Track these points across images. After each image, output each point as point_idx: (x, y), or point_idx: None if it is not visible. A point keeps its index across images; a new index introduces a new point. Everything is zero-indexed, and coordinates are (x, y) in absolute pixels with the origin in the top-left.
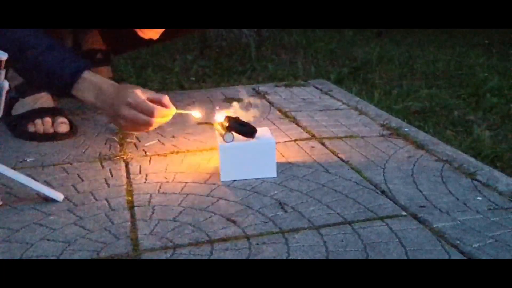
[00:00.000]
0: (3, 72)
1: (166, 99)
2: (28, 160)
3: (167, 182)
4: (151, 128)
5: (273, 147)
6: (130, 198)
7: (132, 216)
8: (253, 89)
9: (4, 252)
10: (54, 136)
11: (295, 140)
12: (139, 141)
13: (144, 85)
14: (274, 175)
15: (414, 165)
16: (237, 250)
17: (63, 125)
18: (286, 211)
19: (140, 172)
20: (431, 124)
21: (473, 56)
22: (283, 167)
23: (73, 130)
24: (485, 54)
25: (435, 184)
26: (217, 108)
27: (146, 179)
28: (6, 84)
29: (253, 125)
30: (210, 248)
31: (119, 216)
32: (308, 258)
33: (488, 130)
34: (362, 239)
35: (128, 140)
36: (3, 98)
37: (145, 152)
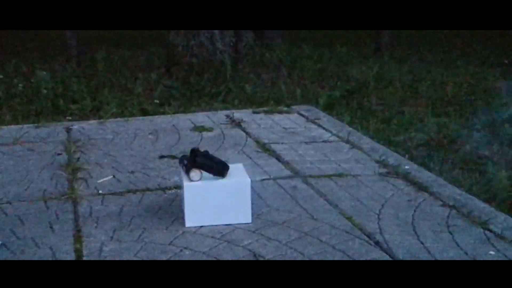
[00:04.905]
0: None
1: None
2: None
3: (122, 227)
4: None
5: (247, 187)
6: (78, 246)
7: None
8: (227, 116)
9: None
10: None
11: (274, 179)
12: (91, 176)
13: (99, 108)
14: (249, 220)
15: (415, 211)
16: None
17: None
18: None
19: (91, 215)
20: (437, 161)
21: (490, 78)
22: (260, 211)
23: None
24: (504, 76)
25: (440, 235)
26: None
27: (97, 224)
28: None
29: (224, 160)
30: None
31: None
32: None
33: (506, 169)
34: None
35: (79, 175)
36: None
37: (98, 191)
